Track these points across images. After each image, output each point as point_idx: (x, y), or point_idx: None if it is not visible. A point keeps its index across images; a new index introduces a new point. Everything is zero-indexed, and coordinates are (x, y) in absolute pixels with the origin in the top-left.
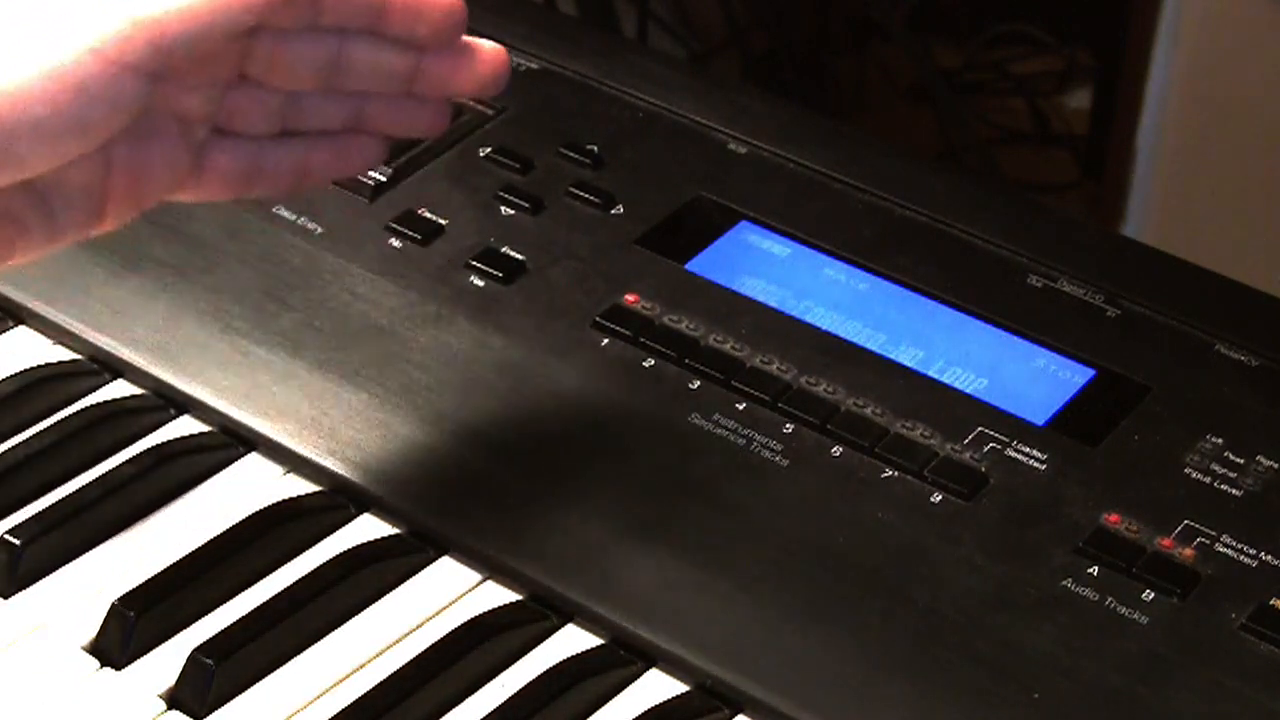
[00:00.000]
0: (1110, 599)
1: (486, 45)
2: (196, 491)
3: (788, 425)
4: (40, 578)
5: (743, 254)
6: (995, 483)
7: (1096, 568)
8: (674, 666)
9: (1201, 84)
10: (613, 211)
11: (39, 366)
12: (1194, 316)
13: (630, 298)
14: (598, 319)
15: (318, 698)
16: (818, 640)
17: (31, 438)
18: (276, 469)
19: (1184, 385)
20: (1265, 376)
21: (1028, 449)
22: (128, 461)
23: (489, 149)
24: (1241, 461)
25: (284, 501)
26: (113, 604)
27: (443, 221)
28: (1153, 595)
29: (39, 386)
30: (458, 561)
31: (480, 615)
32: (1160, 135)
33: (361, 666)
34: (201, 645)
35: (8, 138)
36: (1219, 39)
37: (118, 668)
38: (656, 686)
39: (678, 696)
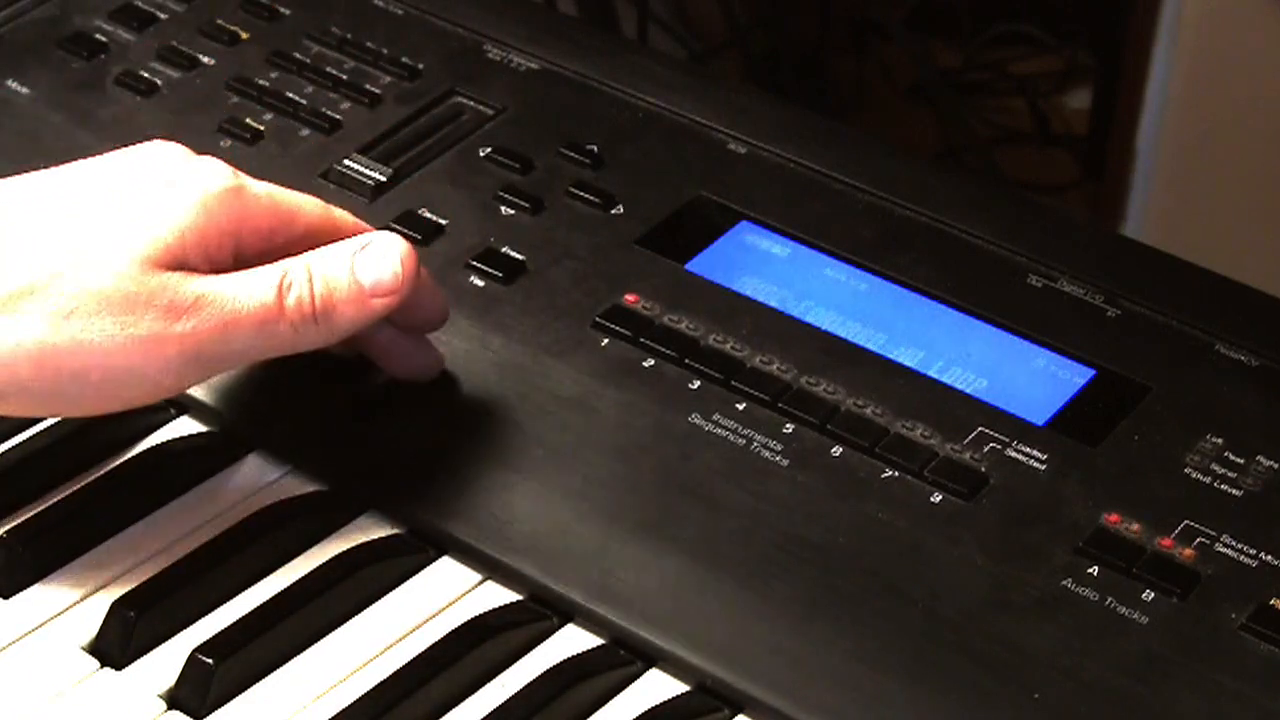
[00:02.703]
0: (1110, 599)
1: (434, 352)
2: (196, 491)
3: (788, 425)
4: (40, 578)
5: (743, 254)
6: (995, 483)
7: (1096, 568)
8: (674, 666)
9: (1201, 84)
10: (613, 211)
11: None
12: (1194, 316)
13: (630, 298)
14: (598, 319)
15: (318, 698)
16: (818, 640)
17: (32, 438)
18: (276, 469)
19: (1184, 385)
20: (1265, 376)
21: (1028, 449)
22: (128, 461)
23: (489, 149)
24: (1241, 461)
25: (285, 502)
26: (113, 604)
27: (443, 221)
28: (1153, 595)
29: None
30: (458, 561)
31: (480, 615)
32: (1160, 135)
33: (361, 666)
34: (201, 645)
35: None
36: (1219, 39)
37: (118, 668)
38: (656, 686)
39: (678, 696)
